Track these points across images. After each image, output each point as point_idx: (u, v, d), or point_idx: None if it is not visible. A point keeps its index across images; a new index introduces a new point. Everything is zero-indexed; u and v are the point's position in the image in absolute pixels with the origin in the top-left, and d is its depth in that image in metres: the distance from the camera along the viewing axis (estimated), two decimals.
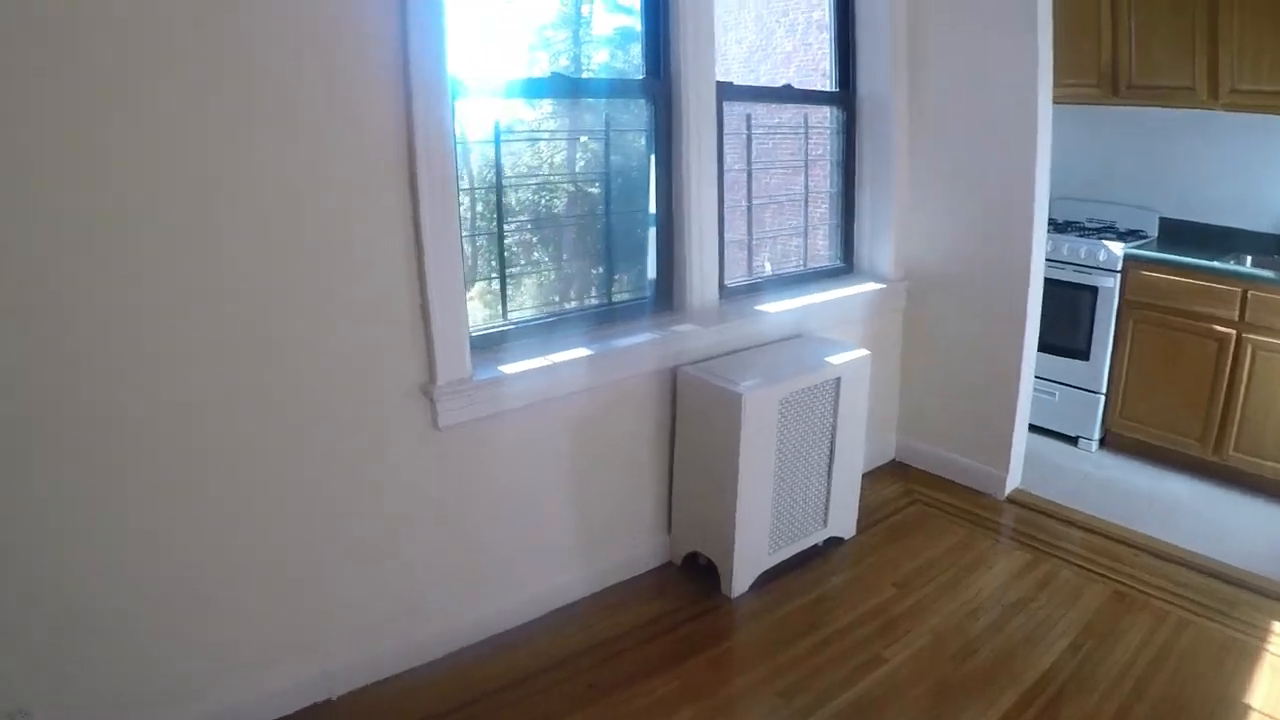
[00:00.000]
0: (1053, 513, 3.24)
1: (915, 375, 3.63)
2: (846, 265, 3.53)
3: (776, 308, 3.02)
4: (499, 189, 2.37)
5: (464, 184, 2.28)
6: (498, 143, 2.33)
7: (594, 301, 2.74)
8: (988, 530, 3.12)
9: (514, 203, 2.55)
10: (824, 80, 3.36)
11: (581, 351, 2.44)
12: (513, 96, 2.38)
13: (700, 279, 2.82)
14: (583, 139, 2.62)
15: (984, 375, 3.34)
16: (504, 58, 2.50)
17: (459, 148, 2.17)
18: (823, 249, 3.51)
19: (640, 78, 2.63)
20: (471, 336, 2.25)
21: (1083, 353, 3.81)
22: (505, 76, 2.34)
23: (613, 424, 2.61)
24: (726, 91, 2.76)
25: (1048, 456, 3.73)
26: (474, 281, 2.43)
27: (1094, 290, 3.73)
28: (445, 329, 2.13)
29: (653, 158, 2.67)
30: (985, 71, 3.08)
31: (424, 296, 2.10)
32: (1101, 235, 3.89)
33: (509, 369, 2.29)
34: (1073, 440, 3.91)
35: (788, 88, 3.07)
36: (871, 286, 3.41)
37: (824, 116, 3.32)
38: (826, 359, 2.80)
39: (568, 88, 2.51)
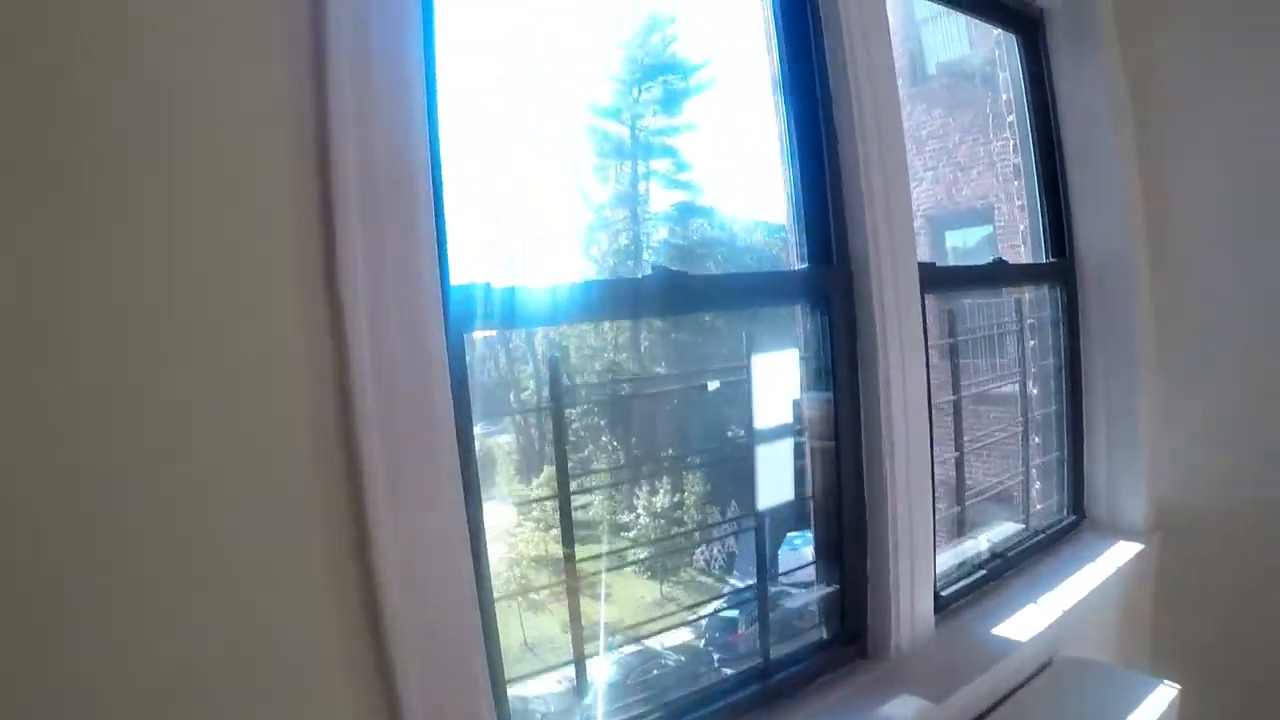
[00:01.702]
0: None
1: (1180, 674, 2.32)
2: (1077, 515, 2.31)
3: (1018, 626, 1.80)
4: (564, 513, 1.19)
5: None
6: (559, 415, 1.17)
7: (736, 667, 1.51)
8: None
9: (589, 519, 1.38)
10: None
11: None
12: (580, 315, 1.27)
13: (910, 595, 1.62)
14: (712, 385, 1.48)
15: None
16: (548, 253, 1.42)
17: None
18: (1040, 494, 2.31)
19: (802, 267, 1.51)
20: None
21: None
22: (558, 280, 1.23)
23: None
24: (930, 277, 1.64)
25: None
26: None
27: None
28: None
29: (827, 397, 1.52)
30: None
31: None
32: None
33: None
34: None
35: (1000, 263, 1.96)
36: (1124, 551, 2.18)
37: (1035, 301, 2.21)
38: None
39: (679, 293, 1.36)
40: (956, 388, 1.87)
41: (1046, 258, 2.20)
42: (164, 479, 0.77)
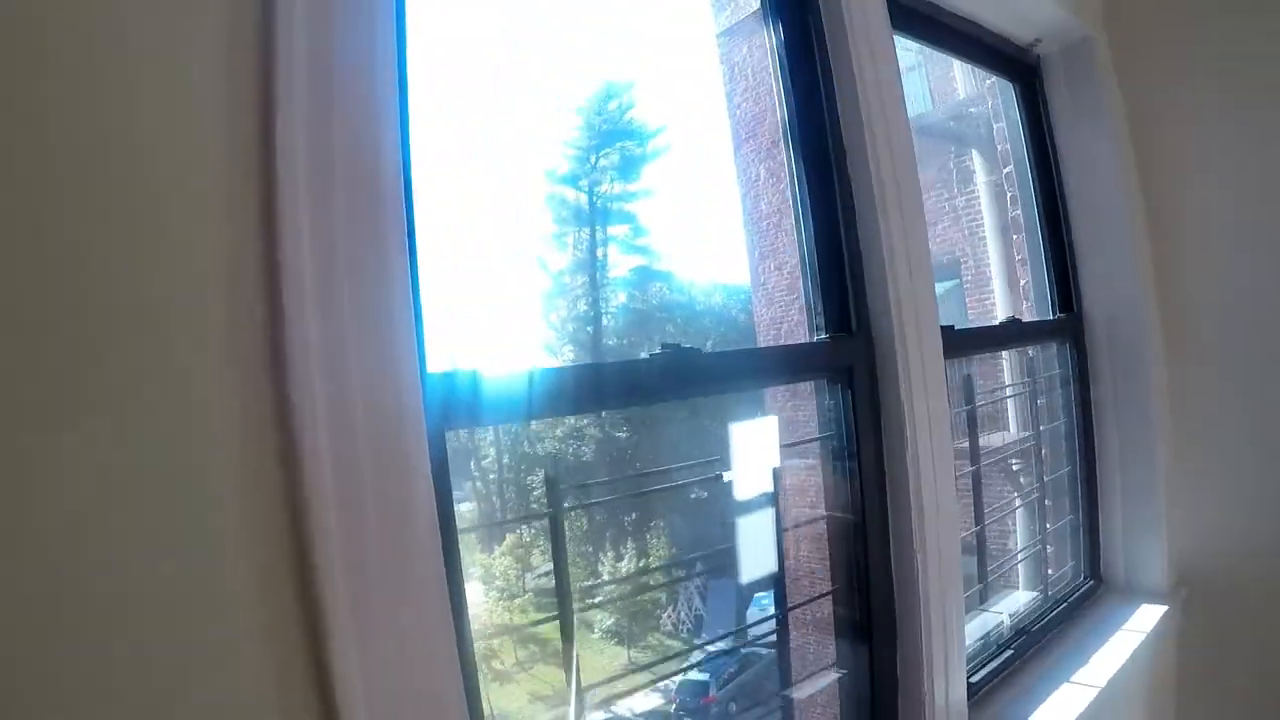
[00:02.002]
0: None
1: None
2: (1094, 580, 2.20)
3: (1052, 710, 1.68)
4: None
5: None
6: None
7: None
8: None
9: None
10: None
11: None
12: (583, 406, 1.11)
13: (944, 687, 1.47)
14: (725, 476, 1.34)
15: None
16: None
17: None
18: (1054, 558, 2.19)
19: (820, 338, 1.37)
20: None
21: None
22: (556, 364, 1.06)
23: None
24: (951, 342, 1.51)
25: None
26: None
27: None
28: None
29: (849, 475, 1.38)
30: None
31: None
32: None
33: None
34: None
35: (1014, 322, 1.85)
36: (1147, 615, 2.07)
37: (1042, 361, 2.11)
38: None
39: (691, 373, 1.19)
40: (976, 458, 1.73)
41: (1053, 313, 2.10)
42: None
